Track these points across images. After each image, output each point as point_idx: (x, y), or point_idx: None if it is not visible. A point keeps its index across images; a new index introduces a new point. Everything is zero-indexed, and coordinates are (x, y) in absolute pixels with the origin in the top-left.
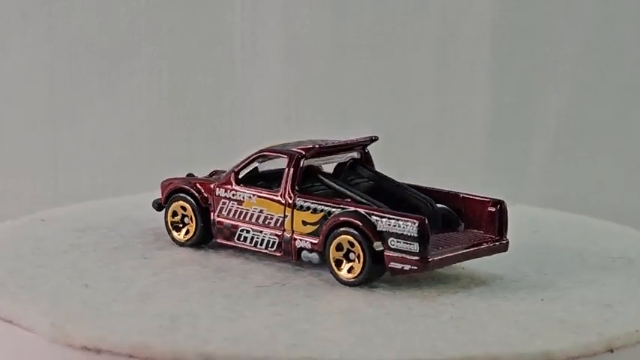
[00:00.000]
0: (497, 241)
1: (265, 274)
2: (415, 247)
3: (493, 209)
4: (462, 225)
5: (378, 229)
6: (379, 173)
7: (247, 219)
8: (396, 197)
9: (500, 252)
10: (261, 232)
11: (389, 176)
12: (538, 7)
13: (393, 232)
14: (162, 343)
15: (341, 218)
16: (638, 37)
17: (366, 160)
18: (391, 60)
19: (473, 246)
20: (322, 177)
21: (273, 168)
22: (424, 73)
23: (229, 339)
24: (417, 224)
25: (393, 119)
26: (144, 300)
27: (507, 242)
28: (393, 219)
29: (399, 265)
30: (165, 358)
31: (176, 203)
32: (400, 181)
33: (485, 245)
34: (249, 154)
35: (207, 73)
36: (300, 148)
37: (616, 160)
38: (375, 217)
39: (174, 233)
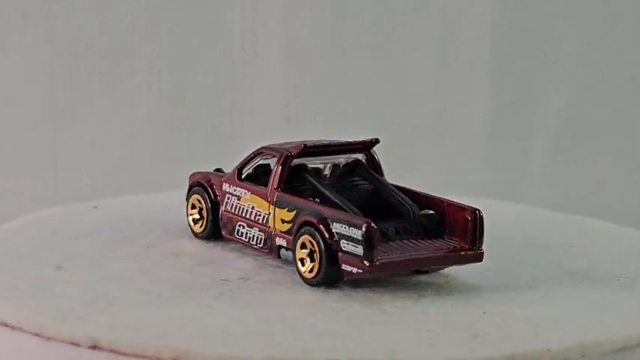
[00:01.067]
0: (468, 250)
1: (239, 269)
2: (360, 250)
3: (469, 217)
4: (448, 232)
5: (332, 230)
6: (375, 176)
7: (243, 214)
8: (385, 201)
9: (471, 262)
10: (252, 228)
11: (384, 179)
12: (538, 7)
13: (344, 235)
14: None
15: (304, 218)
16: (638, 37)
17: (372, 162)
18: (391, 60)
19: (439, 254)
20: (307, 175)
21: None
22: (424, 73)
23: (153, 330)
24: (363, 228)
25: (393, 119)
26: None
27: (481, 253)
28: (345, 222)
29: (349, 268)
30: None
31: (194, 196)
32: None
33: (453, 254)
34: (252, 151)
35: (207, 73)
36: (291, 147)
37: (616, 160)
38: (330, 219)
39: (192, 225)
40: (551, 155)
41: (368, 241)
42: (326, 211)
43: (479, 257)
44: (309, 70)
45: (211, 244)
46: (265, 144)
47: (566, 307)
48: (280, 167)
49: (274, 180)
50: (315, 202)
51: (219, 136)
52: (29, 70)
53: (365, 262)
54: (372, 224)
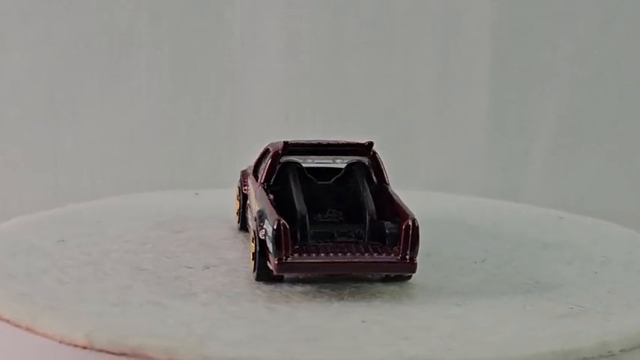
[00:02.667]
0: (400, 260)
1: (221, 259)
2: (272, 248)
3: (403, 227)
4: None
5: (264, 227)
6: (359, 179)
7: (249, 209)
8: (357, 206)
9: (401, 272)
10: (253, 221)
11: (366, 184)
12: (538, 6)
13: (268, 232)
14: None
15: (253, 214)
16: (637, 37)
17: (373, 165)
18: (391, 59)
19: (357, 260)
20: (289, 173)
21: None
22: (424, 72)
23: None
24: (274, 225)
25: (392, 118)
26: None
27: (412, 264)
28: (268, 219)
29: (270, 266)
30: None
31: (236, 189)
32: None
33: (376, 262)
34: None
35: (206, 72)
36: (283, 144)
37: (616, 160)
38: (263, 217)
39: (235, 217)
40: (551, 155)
41: (276, 239)
42: (267, 209)
43: (409, 268)
44: (309, 68)
45: (240, 235)
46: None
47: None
48: (268, 163)
49: (261, 176)
50: (269, 199)
51: (219, 135)
52: (29, 70)
53: (275, 260)
54: (282, 223)
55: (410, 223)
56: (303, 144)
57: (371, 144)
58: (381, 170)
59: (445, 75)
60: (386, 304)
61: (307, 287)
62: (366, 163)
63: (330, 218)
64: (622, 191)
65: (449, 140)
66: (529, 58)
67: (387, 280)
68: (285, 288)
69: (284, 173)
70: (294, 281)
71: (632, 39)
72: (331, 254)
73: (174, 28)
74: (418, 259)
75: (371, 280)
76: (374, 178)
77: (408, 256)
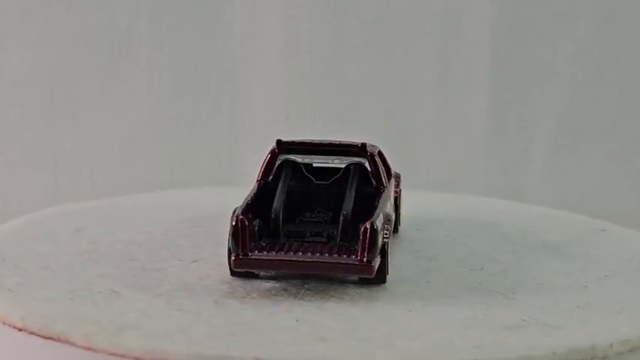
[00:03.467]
0: (356, 262)
1: (214, 252)
2: (230, 244)
3: (362, 229)
4: None
5: (232, 223)
6: (350, 181)
7: None
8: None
9: (354, 274)
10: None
11: (370, 184)
12: (538, 6)
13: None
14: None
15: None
16: (638, 37)
17: (372, 167)
18: (391, 59)
19: (311, 259)
20: (283, 171)
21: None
22: (424, 72)
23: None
24: (232, 222)
25: (393, 118)
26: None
27: (368, 266)
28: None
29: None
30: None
31: None
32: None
33: (330, 262)
34: None
35: (206, 72)
36: (276, 142)
37: (616, 160)
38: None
39: None
40: (551, 155)
41: (234, 235)
42: (240, 205)
43: (365, 270)
44: (309, 68)
45: None
46: (265, 143)
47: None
48: (265, 161)
49: (258, 174)
50: (252, 195)
51: (219, 135)
52: (29, 70)
53: (232, 255)
54: (241, 219)
55: (368, 225)
56: (298, 143)
57: (364, 145)
58: (379, 172)
59: (445, 75)
60: (337, 305)
61: (277, 284)
62: (365, 165)
63: (317, 218)
64: (622, 191)
65: (449, 140)
66: (529, 58)
67: (364, 282)
68: (255, 284)
69: (282, 172)
70: (270, 278)
71: (632, 39)
72: (290, 253)
73: (174, 28)
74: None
75: (348, 282)
76: (373, 180)
77: (365, 259)
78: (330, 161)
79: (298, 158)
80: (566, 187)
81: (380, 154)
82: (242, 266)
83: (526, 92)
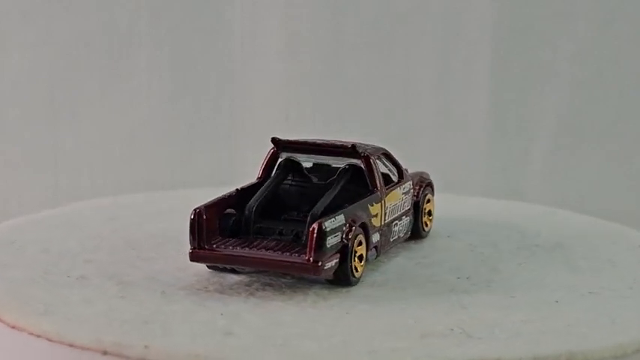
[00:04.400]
0: (304, 261)
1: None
2: (188, 236)
3: (310, 229)
4: None
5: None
6: (334, 182)
7: None
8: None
9: (301, 274)
10: None
11: (334, 186)
12: (538, 6)
13: None
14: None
15: None
16: (638, 37)
17: (367, 167)
18: (391, 59)
19: (259, 257)
20: (278, 169)
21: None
22: (424, 72)
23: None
24: (190, 215)
25: (393, 118)
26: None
27: (315, 267)
28: None
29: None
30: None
31: None
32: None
33: (277, 260)
34: None
35: (206, 72)
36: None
37: (616, 160)
38: None
39: None
40: (551, 155)
41: (191, 228)
42: (215, 200)
43: (311, 270)
44: (309, 68)
45: None
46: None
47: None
48: (265, 160)
49: (258, 171)
50: (236, 190)
51: (219, 135)
52: (29, 70)
53: (189, 248)
54: (198, 212)
55: (315, 225)
56: (294, 142)
57: (353, 146)
58: (373, 174)
59: (445, 75)
60: (274, 303)
61: (239, 278)
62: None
63: (299, 217)
64: (622, 191)
65: (449, 140)
66: (529, 58)
67: (332, 283)
68: (228, 278)
69: (280, 170)
70: (248, 273)
71: (632, 39)
72: (246, 249)
73: (174, 28)
74: (414, 268)
75: (319, 282)
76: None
77: (311, 259)
78: (334, 162)
79: (300, 158)
80: (566, 187)
81: (387, 155)
82: (197, 259)
83: (526, 92)
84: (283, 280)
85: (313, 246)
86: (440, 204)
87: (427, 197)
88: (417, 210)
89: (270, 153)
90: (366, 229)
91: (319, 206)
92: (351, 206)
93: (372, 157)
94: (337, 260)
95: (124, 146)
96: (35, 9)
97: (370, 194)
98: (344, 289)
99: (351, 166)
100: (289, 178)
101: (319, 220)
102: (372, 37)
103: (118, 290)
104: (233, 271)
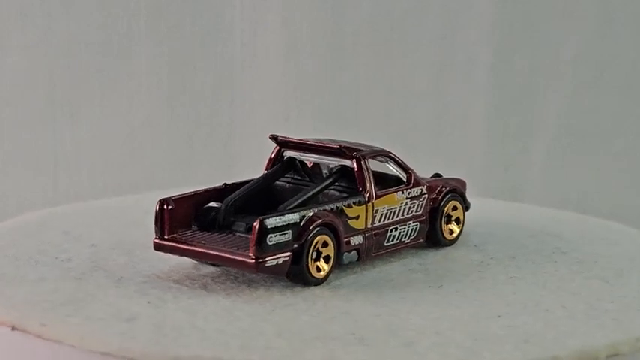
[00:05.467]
0: (246, 257)
1: None
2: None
3: (254, 224)
4: None
5: None
6: (319, 182)
7: None
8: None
9: (241, 269)
10: None
11: (316, 186)
12: (538, 6)
13: None
14: None
15: None
16: (637, 37)
17: (358, 169)
18: (390, 60)
19: (209, 251)
20: (278, 166)
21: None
22: (423, 73)
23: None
24: (156, 206)
25: (392, 119)
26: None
27: (255, 263)
28: None
29: None
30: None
31: None
32: None
33: (223, 254)
34: None
35: (206, 72)
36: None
37: (616, 160)
38: None
39: None
40: (551, 155)
41: (155, 218)
42: (191, 193)
43: (252, 266)
44: (309, 69)
45: None
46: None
47: None
48: (270, 157)
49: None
50: (224, 185)
51: (219, 135)
52: (29, 69)
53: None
54: (161, 203)
55: (256, 223)
56: (292, 141)
57: (339, 147)
58: (361, 176)
59: (445, 75)
60: (214, 295)
61: (216, 271)
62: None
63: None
64: (623, 191)
65: (449, 140)
66: (529, 59)
67: (293, 280)
68: (188, 270)
69: (280, 168)
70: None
71: (633, 39)
72: (201, 242)
73: (173, 29)
74: (403, 270)
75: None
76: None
77: (252, 255)
78: (331, 162)
79: (302, 157)
80: (566, 187)
81: (394, 159)
82: (158, 249)
83: (526, 92)
84: (254, 276)
85: (254, 242)
86: None
87: (452, 204)
88: (435, 216)
89: (275, 151)
90: (335, 230)
91: (288, 204)
92: (313, 206)
93: (364, 159)
94: (286, 258)
95: (124, 146)
96: (35, 9)
97: (352, 196)
98: (306, 289)
99: (343, 167)
100: (288, 176)
101: (261, 218)
102: (371, 37)
103: (67, 282)
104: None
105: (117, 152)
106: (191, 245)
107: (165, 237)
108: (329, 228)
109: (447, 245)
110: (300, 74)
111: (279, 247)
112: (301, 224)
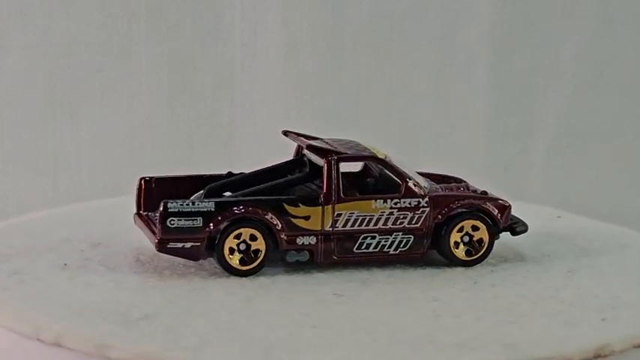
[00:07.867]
0: (153, 237)
1: None
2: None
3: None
4: None
5: None
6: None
7: None
8: None
9: (156, 249)
10: None
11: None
12: (538, 6)
13: None
14: None
15: None
16: (638, 37)
17: (327, 170)
18: (390, 60)
19: (148, 230)
20: (282, 162)
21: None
22: (423, 73)
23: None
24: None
25: (392, 119)
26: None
27: (158, 244)
28: None
29: None
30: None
31: None
32: None
33: (150, 235)
34: None
35: (206, 73)
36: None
37: (617, 160)
38: None
39: None
40: (551, 155)
41: (136, 194)
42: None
43: (156, 246)
44: (309, 69)
45: None
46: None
47: None
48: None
49: None
50: (228, 173)
51: (219, 135)
52: (29, 69)
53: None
54: (141, 181)
55: (162, 205)
56: (294, 136)
57: (309, 146)
58: (327, 178)
59: (445, 75)
60: (232, 298)
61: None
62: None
63: None
64: (623, 191)
65: (449, 140)
66: (529, 59)
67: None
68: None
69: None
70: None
71: (633, 39)
72: (149, 223)
73: (173, 29)
74: (363, 278)
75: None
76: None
77: (157, 236)
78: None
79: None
80: (566, 187)
81: (382, 161)
82: (135, 222)
83: (526, 92)
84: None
85: (158, 224)
86: None
87: (469, 223)
88: (439, 232)
89: (295, 148)
90: (268, 226)
91: (247, 194)
92: (239, 197)
93: (336, 163)
94: (197, 244)
95: (124, 146)
96: (35, 9)
97: (306, 195)
98: (249, 279)
99: (314, 165)
100: (292, 172)
101: (165, 201)
102: (371, 37)
103: (66, 272)
104: None
105: (117, 152)
106: (144, 223)
107: (139, 213)
108: (260, 222)
109: (463, 266)
110: (300, 74)
111: (183, 232)
112: (217, 214)
